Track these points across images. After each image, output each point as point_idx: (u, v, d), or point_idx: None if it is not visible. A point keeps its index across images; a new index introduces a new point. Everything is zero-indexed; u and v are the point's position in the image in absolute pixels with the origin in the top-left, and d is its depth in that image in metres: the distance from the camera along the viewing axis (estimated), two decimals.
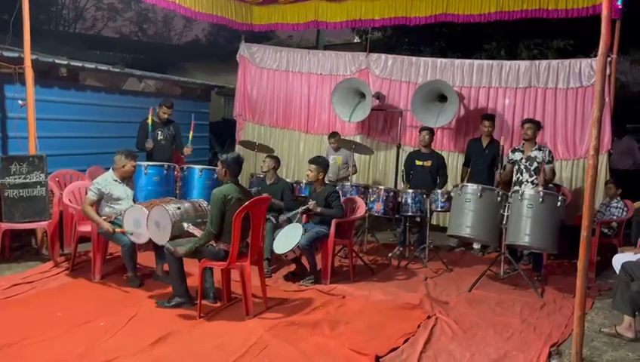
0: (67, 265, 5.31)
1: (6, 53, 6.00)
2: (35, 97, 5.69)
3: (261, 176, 6.30)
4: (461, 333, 4.11)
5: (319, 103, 8.35)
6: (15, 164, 5.45)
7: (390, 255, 6.28)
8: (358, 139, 7.95)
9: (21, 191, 5.44)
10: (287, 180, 6.53)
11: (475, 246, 6.75)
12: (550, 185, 5.85)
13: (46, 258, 5.58)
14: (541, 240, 5.05)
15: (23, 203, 5.45)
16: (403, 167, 6.73)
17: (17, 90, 5.84)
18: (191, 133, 6.68)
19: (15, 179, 5.43)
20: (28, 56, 5.62)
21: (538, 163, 5.60)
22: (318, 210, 5.29)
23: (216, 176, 4.54)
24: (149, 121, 6.45)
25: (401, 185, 6.97)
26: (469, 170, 6.70)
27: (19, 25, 5.60)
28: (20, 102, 5.70)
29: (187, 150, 6.71)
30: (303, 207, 5.36)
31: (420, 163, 6.46)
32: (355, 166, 7.19)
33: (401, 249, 6.41)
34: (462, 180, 6.68)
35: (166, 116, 6.61)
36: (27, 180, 5.48)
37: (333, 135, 7.33)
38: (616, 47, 6.36)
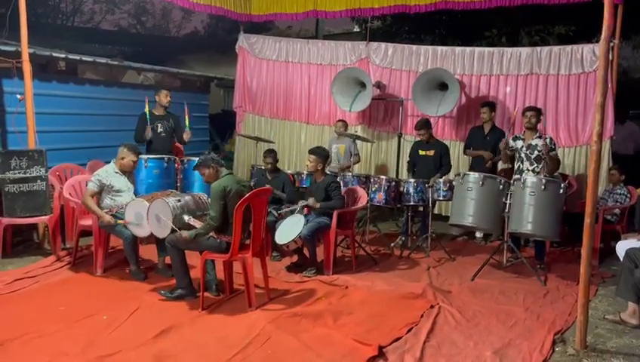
0: (69, 259, 5.30)
1: (3, 47, 5.97)
2: (33, 91, 5.66)
3: (262, 167, 6.28)
4: (464, 322, 4.11)
5: (319, 94, 8.30)
6: (15, 159, 5.43)
7: (393, 244, 6.26)
8: (359, 129, 7.94)
9: (21, 185, 5.43)
10: (289, 171, 6.51)
11: (478, 234, 6.73)
12: (556, 173, 5.82)
13: (48, 252, 5.58)
14: (544, 228, 5.03)
15: (24, 197, 5.43)
16: (408, 158, 6.70)
17: (16, 85, 5.81)
18: (186, 118, 6.60)
19: (15, 173, 5.41)
20: (25, 50, 5.58)
21: (539, 151, 5.56)
22: (318, 205, 5.28)
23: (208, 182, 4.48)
24: (146, 110, 6.40)
25: (402, 175, 6.96)
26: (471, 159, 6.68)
27: (16, 19, 5.55)
28: (18, 96, 5.66)
29: (186, 135, 6.58)
30: (303, 203, 5.34)
31: (423, 153, 6.43)
32: (357, 155, 7.15)
33: (403, 238, 6.40)
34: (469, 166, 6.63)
35: (168, 100, 6.54)
36: (27, 175, 5.46)
37: (342, 120, 7.32)
38: (619, 33, 6.31)
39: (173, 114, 6.71)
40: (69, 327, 3.82)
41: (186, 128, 6.61)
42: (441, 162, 6.37)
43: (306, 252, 5.40)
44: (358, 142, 6.99)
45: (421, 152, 6.44)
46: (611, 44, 6.11)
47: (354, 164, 7.01)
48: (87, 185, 4.99)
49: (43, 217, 5.50)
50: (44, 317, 3.98)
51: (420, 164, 6.42)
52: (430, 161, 6.36)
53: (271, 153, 6.02)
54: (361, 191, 5.80)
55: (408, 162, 6.68)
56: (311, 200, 5.31)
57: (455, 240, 6.81)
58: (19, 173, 5.43)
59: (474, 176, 5.34)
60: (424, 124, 6.43)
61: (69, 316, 4.00)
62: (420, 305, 4.39)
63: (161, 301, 4.38)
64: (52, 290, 4.61)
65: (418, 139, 6.63)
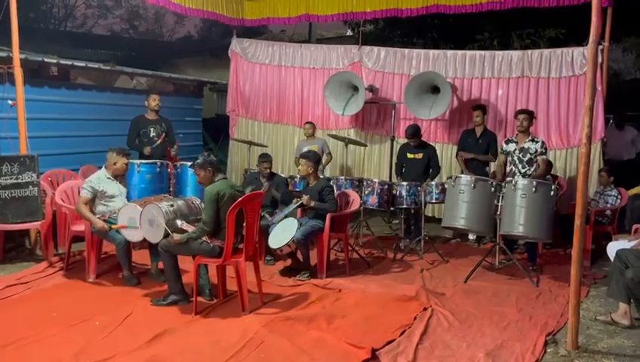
0: (61, 264, 5.28)
1: None
2: (25, 97, 5.64)
3: (255, 170, 6.29)
4: (457, 324, 4.12)
5: (312, 97, 8.32)
6: (6, 165, 5.41)
7: (403, 247, 6.23)
8: (351, 132, 7.96)
9: (13, 191, 5.40)
10: (282, 175, 6.52)
11: (471, 237, 6.75)
12: (548, 176, 5.86)
13: (40, 258, 5.55)
14: (535, 230, 5.06)
15: (16, 203, 5.41)
16: (396, 161, 6.72)
17: (7, 90, 5.79)
18: (176, 147, 6.71)
19: (7, 179, 5.39)
20: (17, 56, 5.57)
21: (531, 154, 5.60)
22: (312, 203, 5.29)
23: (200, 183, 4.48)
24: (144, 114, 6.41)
25: (395, 178, 6.99)
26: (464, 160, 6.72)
27: (7, 24, 5.54)
28: (9, 101, 5.65)
29: (174, 151, 6.66)
30: (297, 203, 5.35)
31: (412, 156, 6.46)
32: (330, 153, 7.23)
33: (407, 240, 6.38)
34: (463, 168, 6.67)
35: (157, 103, 6.53)
36: (19, 180, 5.44)
37: (310, 122, 7.47)
38: (608, 35, 6.36)
39: (165, 118, 6.71)
40: (62, 333, 3.80)
41: (172, 150, 6.63)
42: (430, 164, 6.40)
43: (299, 255, 5.41)
44: (332, 141, 7.02)
45: (410, 155, 6.47)
46: (600, 47, 6.17)
47: (326, 163, 7.10)
48: (79, 192, 4.96)
49: (35, 223, 5.48)
50: (37, 323, 3.96)
51: (408, 166, 6.45)
52: (419, 164, 6.38)
53: (267, 158, 6.04)
54: (354, 195, 5.82)
55: (396, 164, 6.70)
56: (305, 198, 5.31)
57: (448, 242, 6.84)
58: (10, 178, 5.41)
59: (466, 178, 5.37)
60: (415, 133, 6.42)
61: (62, 322, 3.98)
62: (414, 308, 4.40)
63: (155, 306, 4.37)
64: (45, 296, 4.58)
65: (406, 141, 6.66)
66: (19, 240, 5.92)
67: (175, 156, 6.64)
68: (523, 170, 5.61)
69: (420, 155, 6.42)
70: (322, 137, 7.65)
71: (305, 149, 7.05)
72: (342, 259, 5.78)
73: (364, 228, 6.54)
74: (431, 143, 6.86)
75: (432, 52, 7.66)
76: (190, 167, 4.59)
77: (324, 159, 6.97)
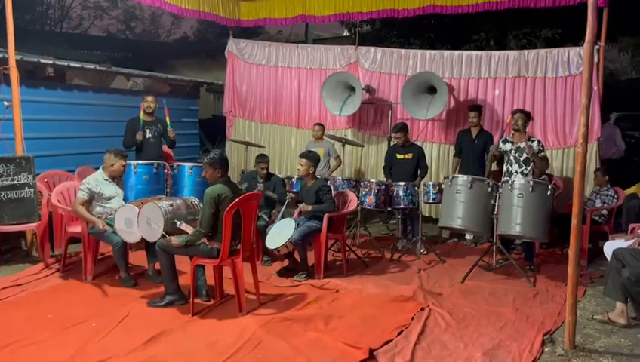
0: (58, 266, 5.26)
1: None
2: (21, 98, 5.62)
3: (252, 170, 6.29)
4: (455, 324, 4.12)
5: (309, 98, 8.32)
6: (2, 166, 5.39)
7: (400, 248, 6.22)
8: (349, 132, 7.96)
9: (9, 193, 5.38)
10: (280, 176, 6.52)
11: (468, 236, 6.77)
12: (544, 176, 5.87)
13: (36, 260, 5.53)
14: (532, 229, 5.07)
15: (12, 205, 5.39)
16: (384, 162, 6.71)
17: (3, 91, 5.76)
18: (167, 117, 6.55)
19: (2, 181, 5.37)
20: (12, 57, 5.55)
21: (527, 154, 5.61)
22: (309, 208, 5.29)
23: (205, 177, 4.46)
24: (141, 116, 6.38)
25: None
26: (460, 161, 6.73)
27: (3, 25, 5.52)
28: (5, 103, 5.62)
29: (171, 132, 6.54)
30: (296, 210, 5.35)
31: (401, 156, 6.45)
32: (338, 157, 7.18)
33: (404, 241, 6.38)
34: (453, 171, 6.71)
35: (153, 106, 6.52)
36: (15, 182, 5.43)
37: (319, 124, 7.39)
38: (604, 35, 6.37)
39: (161, 119, 6.69)
40: (58, 335, 3.79)
41: (169, 127, 6.55)
42: (419, 165, 6.40)
43: (296, 256, 5.40)
44: (339, 144, 6.96)
45: (399, 156, 6.46)
46: (597, 47, 6.18)
47: (336, 167, 7.06)
48: (76, 193, 4.95)
49: (31, 224, 5.46)
50: (33, 325, 3.94)
51: (397, 167, 6.44)
52: (409, 165, 6.39)
53: (264, 158, 6.03)
54: (351, 195, 5.82)
55: (384, 167, 6.69)
56: (301, 206, 5.32)
57: (445, 242, 6.84)
58: (6, 180, 5.39)
59: (462, 178, 5.38)
60: (402, 127, 6.46)
61: (58, 323, 3.97)
62: (411, 308, 4.41)
63: (151, 307, 4.35)
64: (41, 298, 4.57)
65: (394, 142, 6.66)
66: (15, 241, 5.90)
67: (170, 135, 6.56)
68: (519, 170, 5.61)
69: (409, 155, 6.42)
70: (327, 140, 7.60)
71: None
72: (339, 259, 5.78)
73: (361, 229, 6.54)
74: (428, 144, 6.87)
75: (428, 52, 7.66)
76: (199, 160, 4.57)
77: (332, 163, 6.93)
